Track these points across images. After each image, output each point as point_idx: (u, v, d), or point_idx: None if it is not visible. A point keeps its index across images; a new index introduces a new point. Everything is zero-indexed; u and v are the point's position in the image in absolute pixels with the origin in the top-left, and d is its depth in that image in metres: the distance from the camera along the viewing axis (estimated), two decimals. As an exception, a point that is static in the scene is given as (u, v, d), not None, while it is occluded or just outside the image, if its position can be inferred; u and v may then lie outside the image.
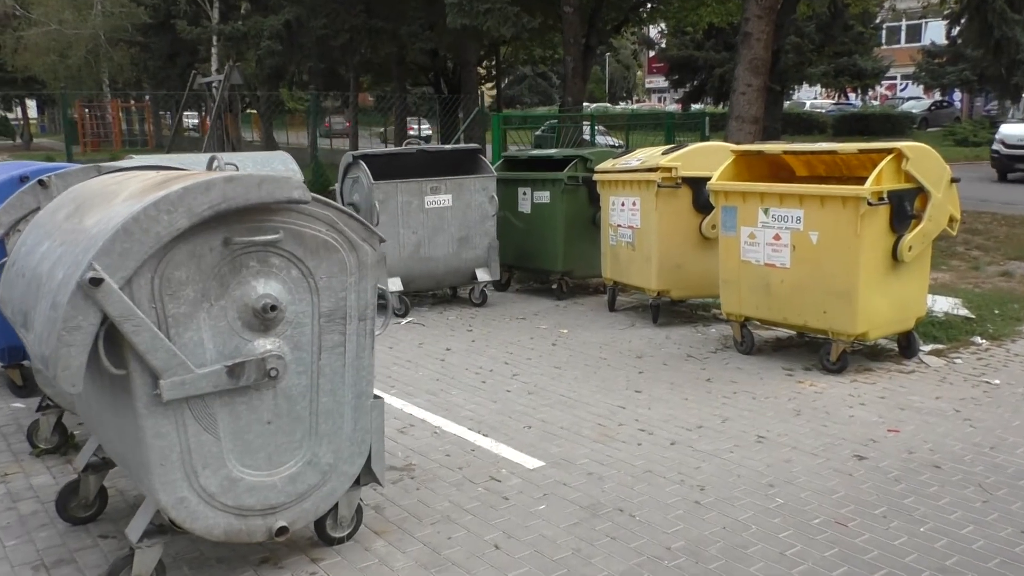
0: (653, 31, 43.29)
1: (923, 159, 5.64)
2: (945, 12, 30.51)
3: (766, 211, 5.95)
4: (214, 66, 24.80)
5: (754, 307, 6.17)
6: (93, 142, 33.22)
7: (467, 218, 8.05)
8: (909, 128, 36.10)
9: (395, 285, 7.76)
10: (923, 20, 49.17)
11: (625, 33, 24.64)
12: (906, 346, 6.11)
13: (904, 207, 5.62)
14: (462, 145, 8.69)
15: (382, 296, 3.44)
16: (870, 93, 40.04)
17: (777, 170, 6.66)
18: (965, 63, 35.30)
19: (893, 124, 35.63)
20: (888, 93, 50.91)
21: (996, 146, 19.27)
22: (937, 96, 42.46)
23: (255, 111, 35.20)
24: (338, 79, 26.91)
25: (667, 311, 7.60)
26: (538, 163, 8.84)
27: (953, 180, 5.87)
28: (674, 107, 40.46)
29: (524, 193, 8.70)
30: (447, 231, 7.98)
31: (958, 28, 36.05)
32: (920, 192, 5.71)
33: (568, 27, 15.98)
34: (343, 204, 7.90)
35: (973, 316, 6.92)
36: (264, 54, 16.73)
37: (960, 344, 6.44)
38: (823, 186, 5.63)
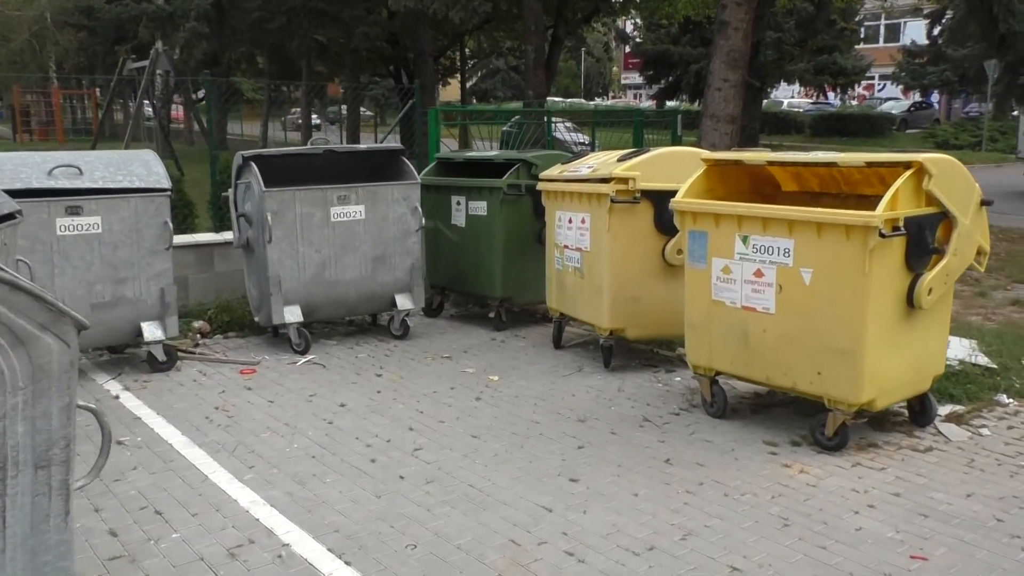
0: (628, 26, 42.03)
1: (948, 175, 4.33)
2: (930, 9, 29.52)
3: (745, 239, 4.60)
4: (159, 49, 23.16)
5: (728, 360, 4.83)
6: (40, 131, 31.33)
7: (384, 233, 6.65)
8: (889, 129, 35.13)
9: (293, 315, 6.35)
10: (902, 20, 48.37)
11: (597, 25, 23.30)
12: (920, 412, 4.79)
13: (924, 238, 4.31)
14: (381, 145, 7.29)
15: (96, 414, 2.03)
16: (849, 92, 39.02)
17: (759, 184, 5.32)
18: (946, 63, 34.34)
19: (872, 125, 34.63)
20: (866, 93, 50.04)
21: None
22: (916, 97, 41.57)
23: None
24: (297, 68, 25.37)
25: (623, 350, 6.25)
26: (479, 167, 7.44)
27: (983, 203, 4.56)
28: (649, 104, 39.21)
29: (458, 203, 7.30)
30: (359, 249, 6.57)
31: (939, 28, 35.12)
32: (944, 218, 4.39)
33: (529, 14, 14.60)
34: (236, 214, 6.48)
35: (995, 365, 5.63)
36: (190, 36, 15.20)
37: (982, 405, 5.14)
38: (821, 210, 4.30)
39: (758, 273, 4.56)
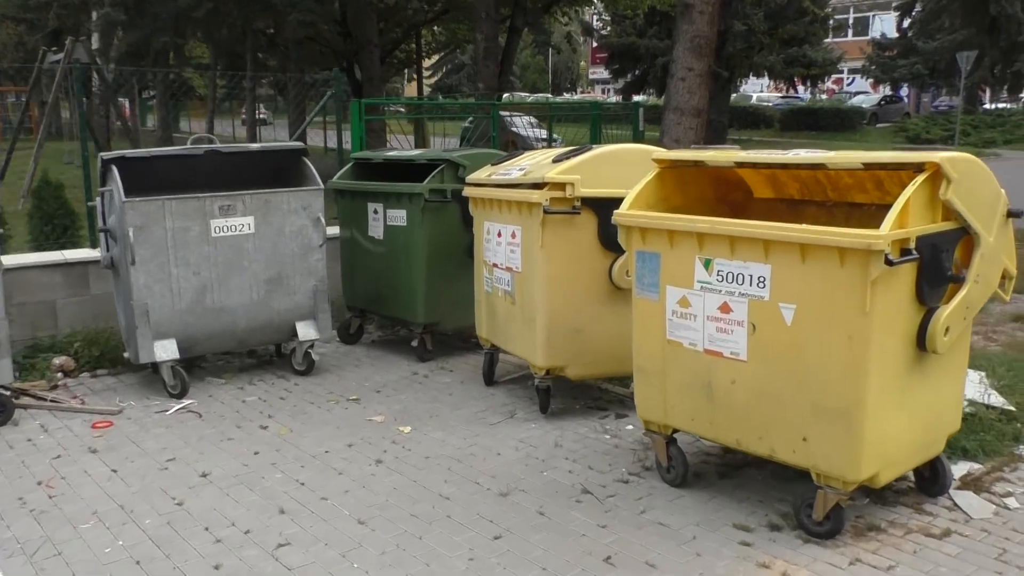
0: (594, 19, 41.03)
1: (971, 180, 3.31)
2: (899, 1, 28.81)
3: (708, 264, 3.55)
4: (95, 44, 21.79)
5: (687, 417, 3.78)
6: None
7: (280, 250, 5.53)
8: (859, 124, 34.45)
9: (166, 351, 5.22)
10: (871, 13, 47.88)
11: (558, 15, 22.24)
12: (931, 479, 3.78)
13: (940, 263, 3.28)
14: (277, 144, 6.16)
15: None
16: (818, 86, 38.35)
17: (726, 190, 4.29)
18: (916, 56, 33.72)
19: (843, 119, 33.93)
20: (835, 87, 49.50)
21: None
22: (886, 91, 41.00)
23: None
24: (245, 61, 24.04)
25: (566, 387, 5.20)
26: (402, 169, 6.33)
27: (1011, 214, 3.55)
28: (616, 99, 38.25)
29: (375, 212, 6.20)
30: (248, 270, 5.45)
31: (909, 20, 34.52)
32: (963, 235, 3.38)
33: (479, 0, 13.49)
34: (100, 228, 5.35)
35: (1012, 407, 4.64)
36: (103, 24, 13.91)
37: (1003, 462, 4.14)
38: (807, 228, 3.24)
39: (725, 308, 3.51)
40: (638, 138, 11.48)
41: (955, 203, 3.21)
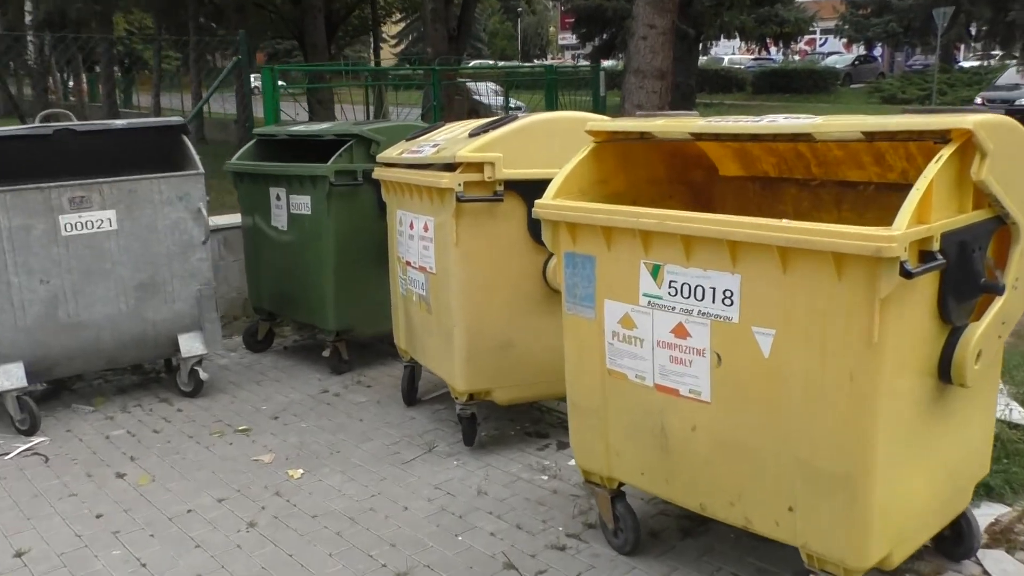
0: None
1: (1011, 152, 2.41)
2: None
3: (656, 271, 2.64)
4: (28, 12, 20.42)
5: (637, 469, 2.89)
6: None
7: (151, 249, 4.56)
8: (833, 85, 33.63)
9: (9, 378, 4.26)
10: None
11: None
12: (954, 541, 2.91)
13: (971, 266, 2.39)
14: (148, 120, 5.15)
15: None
16: (791, 47, 37.45)
17: (683, 167, 3.37)
18: (891, 14, 32.83)
19: (817, 80, 33.11)
20: (808, 48, 48.65)
21: None
22: (859, 50, 40.16)
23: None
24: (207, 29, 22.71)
25: (499, 409, 4.30)
26: (316, 147, 5.33)
27: (1057, 193, 2.65)
28: (585, 63, 37.09)
29: (278, 197, 5.23)
30: (112, 274, 4.48)
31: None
32: (999, 226, 2.49)
33: (425, -43, 12.41)
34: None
35: (1037, 426, 3.80)
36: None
37: (1035, 501, 3.31)
38: (787, 225, 2.31)
39: (680, 331, 2.61)
40: (598, 104, 10.57)
41: (991, 185, 2.32)
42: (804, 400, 2.35)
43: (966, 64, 36.14)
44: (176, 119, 4.81)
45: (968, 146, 2.27)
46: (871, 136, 2.42)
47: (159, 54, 23.09)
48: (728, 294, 2.45)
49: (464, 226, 3.66)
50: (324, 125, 5.49)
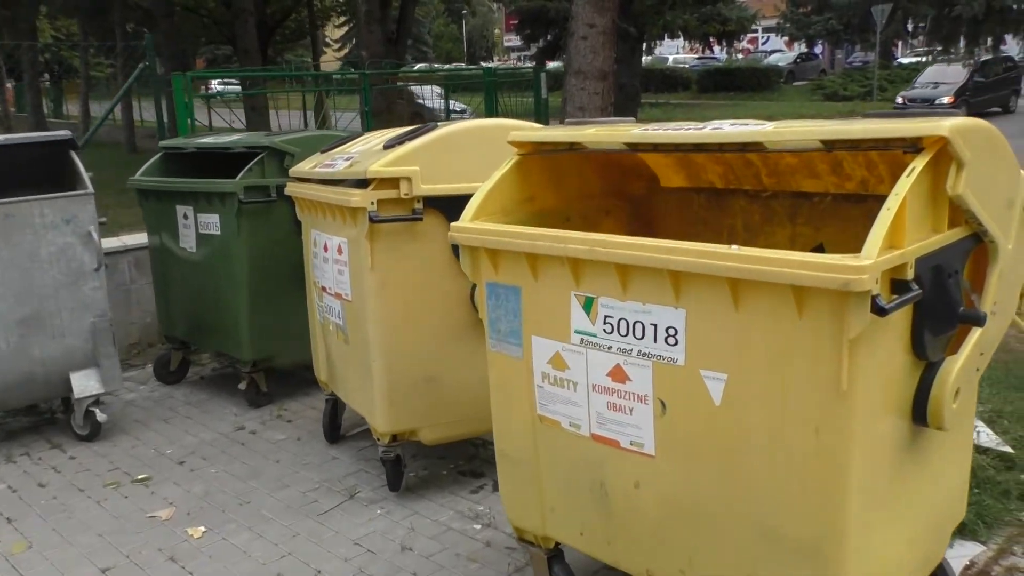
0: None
1: (988, 160, 2.10)
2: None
3: (589, 305, 2.27)
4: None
5: (575, 529, 2.52)
6: None
7: (34, 280, 4.08)
8: (776, 82, 33.84)
9: None
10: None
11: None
12: (928, 594, 2.60)
13: (948, 294, 2.07)
14: (29, 136, 4.65)
15: None
16: (734, 46, 37.65)
17: (619, 179, 3.03)
18: (831, 12, 33.12)
19: (760, 78, 33.30)
20: (750, 47, 49.03)
21: None
22: (801, 48, 40.55)
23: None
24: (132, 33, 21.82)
25: (425, 453, 3.91)
26: (228, 160, 4.86)
27: (1034, 203, 2.35)
28: (530, 65, 36.82)
29: (185, 216, 4.77)
30: (-11, 310, 3.99)
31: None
32: (976, 243, 2.17)
33: (358, -43, 11.95)
34: None
35: (1010, 448, 3.53)
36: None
37: (1014, 536, 3.02)
38: (738, 252, 1.95)
39: (618, 374, 2.24)
40: (541, 106, 10.23)
41: (968, 199, 2.00)
42: (763, 455, 2.01)
43: (905, 60, 36.71)
44: (63, 133, 4.32)
45: (943, 155, 1.95)
46: (830, 145, 2.08)
47: (86, 61, 22.13)
48: (671, 332, 2.10)
49: (380, 249, 3.26)
50: (235, 136, 5.04)
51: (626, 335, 2.19)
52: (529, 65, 30.03)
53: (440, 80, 12.96)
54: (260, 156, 4.45)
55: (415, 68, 22.60)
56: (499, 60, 69.83)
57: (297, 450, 4.14)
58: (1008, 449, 3.48)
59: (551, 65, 28.14)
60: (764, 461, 2.01)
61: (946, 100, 21.70)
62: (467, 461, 3.90)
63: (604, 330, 2.24)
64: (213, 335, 4.82)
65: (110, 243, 5.87)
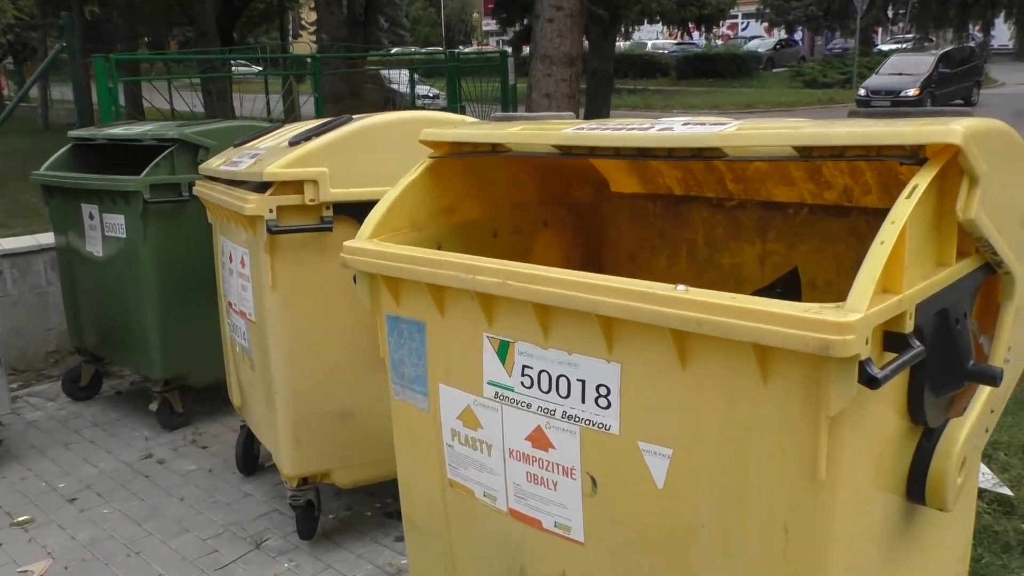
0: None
1: (1005, 172, 1.63)
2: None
3: (504, 350, 1.81)
4: None
5: (494, 618, 2.06)
6: None
7: (-98, 292, 3.56)
8: (756, 69, 33.48)
9: None
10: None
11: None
12: None
13: (957, 343, 1.61)
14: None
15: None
16: (713, 32, 37.26)
17: (561, 184, 2.56)
18: (811, -2, 32.80)
19: (739, 65, 32.91)
20: (730, 33, 48.68)
21: None
22: (780, 34, 40.21)
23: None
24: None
25: (346, 491, 3.43)
26: (141, 154, 4.33)
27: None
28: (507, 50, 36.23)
29: (91, 216, 4.25)
30: None
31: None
32: (988, 275, 1.72)
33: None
34: None
35: (1008, 491, 3.11)
36: None
37: (1014, 601, 2.60)
38: (684, 298, 1.48)
39: (539, 439, 1.78)
40: (508, 93, 9.74)
41: (983, 224, 1.55)
42: (716, 554, 1.56)
43: (885, 47, 36.43)
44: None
45: (951, 168, 1.50)
46: (806, 153, 1.62)
47: (45, 43, 21.36)
48: (603, 392, 1.64)
49: (282, 264, 2.78)
50: (147, 126, 4.51)
51: (548, 391, 1.73)
52: (507, 50, 29.43)
53: (405, 64, 12.39)
54: (169, 150, 3.94)
55: (392, 52, 21.92)
56: (478, 44, 69.07)
57: (207, 484, 3.65)
58: (1007, 491, 3.06)
59: (528, 49, 27.56)
60: (718, 561, 1.56)
61: (912, 92, 20.77)
62: (396, 499, 3.42)
63: (522, 383, 1.78)
64: (122, 349, 4.32)
65: (23, 242, 5.35)
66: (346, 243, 2.05)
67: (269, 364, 2.89)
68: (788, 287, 2.07)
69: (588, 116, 13.16)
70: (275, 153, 2.87)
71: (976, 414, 1.70)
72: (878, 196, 2.19)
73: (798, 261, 2.34)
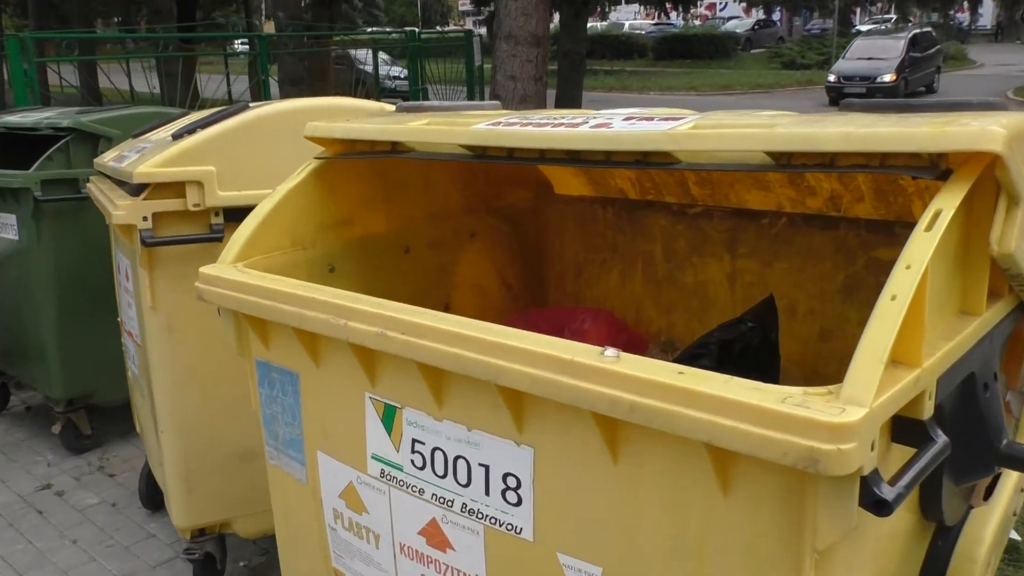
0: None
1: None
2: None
3: (390, 417, 1.37)
4: None
5: None
6: None
7: None
8: (734, 50, 33.05)
9: None
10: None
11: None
12: None
13: (983, 418, 1.19)
14: None
15: None
16: (691, 12, 36.79)
17: (497, 187, 2.12)
18: (789, -23, 32.35)
19: (717, 45, 32.45)
20: (708, 13, 48.21)
21: None
22: (759, 15, 39.81)
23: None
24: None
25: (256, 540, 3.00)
26: (43, 144, 3.84)
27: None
28: (483, 31, 35.57)
29: (-17, 214, 3.76)
30: None
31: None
32: (1018, 320, 1.30)
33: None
34: None
35: (1018, 536, 2.73)
36: None
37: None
38: (612, 369, 1.06)
39: (435, 535, 1.35)
40: (473, 74, 9.27)
41: (1021, 259, 1.13)
42: None
43: (864, 28, 36.14)
44: None
45: (984, 183, 1.07)
46: (784, 160, 1.19)
47: (0, 23, 20.56)
48: (512, 483, 1.22)
49: (164, 281, 2.33)
50: (48, 113, 4.02)
51: (444, 476, 1.30)
52: (472, 30, 28.87)
53: (368, 44, 11.84)
54: (65, 140, 3.46)
55: (369, 31, 21.21)
56: (455, 24, 68.17)
57: (106, 522, 3.21)
58: (1015, 536, 2.68)
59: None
60: None
61: (888, 77, 19.50)
62: (319, 542, 3.00)
63: (413, 462, 1.35)
64: (21, 364, 3.85)
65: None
66: (202, 269, 1.60)
67: (154, 397, 2.45)
68: (761, 321, 1.65)
69: (560, 98, 12.69)
70: (159, 148, 2.41)
71: (1006, 501, 1.30)
72: (872, 204, 1.78)
73: (774, 282, 1.93)
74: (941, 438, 1.00)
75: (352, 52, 14.20)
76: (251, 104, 2.47)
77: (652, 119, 1.35)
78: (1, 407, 4.29)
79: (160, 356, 2.39)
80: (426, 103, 1.87)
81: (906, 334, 0.94)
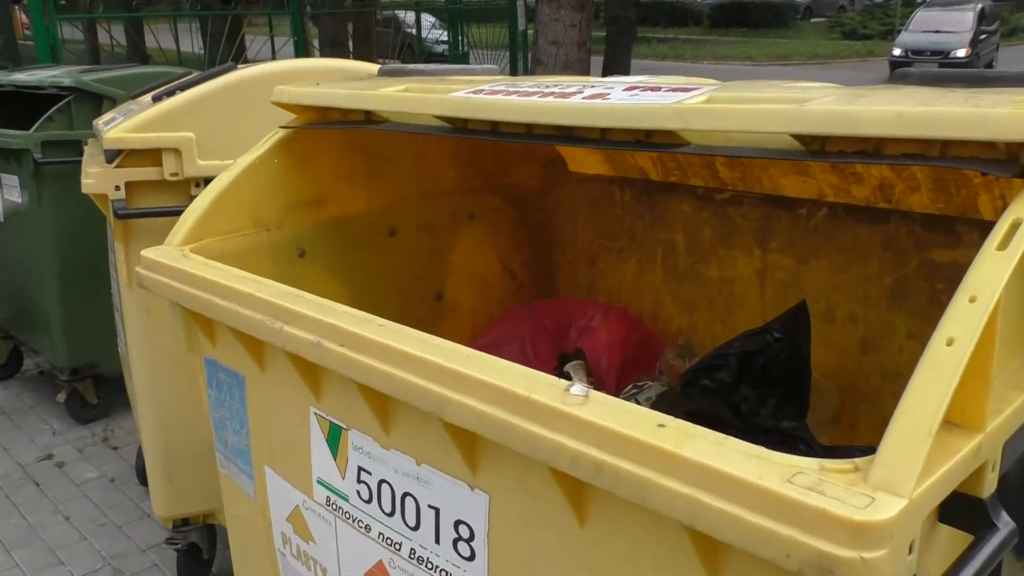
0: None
1: None
2: None
3: (335, 437, 1.16)
4: None
5: None
6: None
7: None
8: (793, 19, 32.00)
9: None
10: None
11: None
12: None
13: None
14: None
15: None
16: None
17: (502, 164, 1.88)
18: (854, -58, 31.11)
19: (776, 14, 31.42)
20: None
21: None
22: (821, -19, 38.44)
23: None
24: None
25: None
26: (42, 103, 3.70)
27: None
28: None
29: (-10, 175, 3.64)
30: None
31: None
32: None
33: None
34: None
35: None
36: None
37: None
38: (582, 419, 0.83)
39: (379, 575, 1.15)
40: (516, 41, 8.96)
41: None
42: None
43: (928, -2, 34.71)
44: None
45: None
46: (816, 145, 0.94)
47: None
48: (465, 534, 1.00)
49: (136, 256, 2.14)
50: (56, 71, 3.86)
51: (392, 514, 1.09)
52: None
53: (410, 6, 11.56)
54: (67, 99, 3.29)
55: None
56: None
57: (102, 499, 3.08)
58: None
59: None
60: None
61: (962, 52, 18.08)
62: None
63: (359, 493, 1.14)
64: (28, 330, 3.74)
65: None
66: (143, 252, 1.40)
67: (136, 385, 2.28)
68: (790, 331, 1.40)
69: (607, 66, 12.29)
70: (139, 111, 2.22)
71: (1079, 574, 1.04)
72: (929, 196, 1.51)
73: (810, 282, 1.67)
74: (1007, 524, 0.75)
75: (400, 14, 13.89)
76: (238, 65, 2.26)
77: (659, 89, 1.10)
78: (14, 370, 4.20)
79: (138, 337, 2.21)
80: (410, 66, 1.63)
81: (966, 390, 0.70)
